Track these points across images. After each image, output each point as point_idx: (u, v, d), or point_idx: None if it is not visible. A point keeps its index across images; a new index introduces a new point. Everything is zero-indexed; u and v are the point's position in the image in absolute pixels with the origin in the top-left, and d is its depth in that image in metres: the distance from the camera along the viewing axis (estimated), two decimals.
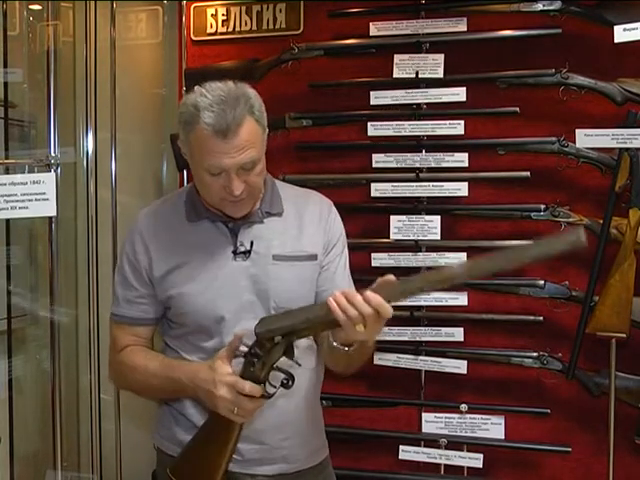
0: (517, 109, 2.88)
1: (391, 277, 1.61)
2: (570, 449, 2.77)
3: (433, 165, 2.97)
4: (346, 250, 2.04)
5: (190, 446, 1.84)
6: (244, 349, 1.73)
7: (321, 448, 2.06)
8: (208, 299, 1.87)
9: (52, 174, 2.25)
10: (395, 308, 2.73)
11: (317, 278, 1.95)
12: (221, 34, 3.33)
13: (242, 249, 1.89)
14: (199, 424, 1.87)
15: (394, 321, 2.98)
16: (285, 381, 1.72)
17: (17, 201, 2.17)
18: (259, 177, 1.82)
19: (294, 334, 1.70)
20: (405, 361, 3.00)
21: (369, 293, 1.57)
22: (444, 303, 2.98)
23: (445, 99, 2.95)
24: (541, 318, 2.90)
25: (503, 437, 2.91)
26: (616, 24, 2.22)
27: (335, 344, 1.69)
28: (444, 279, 1.56)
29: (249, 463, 1.91)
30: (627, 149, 2.66)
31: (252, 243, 1.89)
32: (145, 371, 1.91)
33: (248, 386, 1.69)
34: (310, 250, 1.94)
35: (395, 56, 2.99)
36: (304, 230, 1.96)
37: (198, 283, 1.87)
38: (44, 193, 2.17)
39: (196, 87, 1.78)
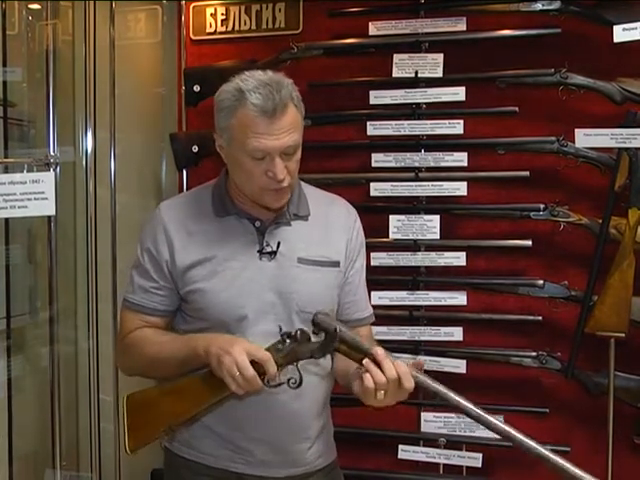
0: (516, 109, 2.89)
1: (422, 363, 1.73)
2: (569, 448, 2.75)
3: (432, 165, 2.98)
4: (365, 262, 2.05)
5: (163, 387, 1.84)
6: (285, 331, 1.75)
7: (330, 450, 2.06)
8: (231, 296, 1.84)
9: (51, 173, 2.22)
10: (395, 308, 2.93)
11: (339, 287, 1.95)
12: (220, 33, 3.33)
13: (268, 249, 1.87)
14: (216, 429, 1.88)
15: (393, 320, 3.01)
16: (294, 382, 1.72)
17: (16, 200, 2.14)
18: (297, 165, 1.81)
19: (337, 341, 1.70)
20: (404, 361, 2.94)
21: (398, 361, 1.65)
22: (443, 303, 3.00)
23: (444, 99, 2.95)
24: (540, 318, 2.91)
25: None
26: (615, 24, 2.21)
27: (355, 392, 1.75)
28: (469, 414, 1.66)
29: (259, 465, 1.90)
30: (626, 149, 2.66)
31: (279, 244, 1.87)
32: (158, 341, 1.88)
33: (262, 353, 1.68)
34: (334, 257, 1.93)
35: (394, 55, 3.00)
36: (329, 236, 1.95)
37: (221, 280, 1.85)
38: (43, 192, 2.12)
39: (232, 78, 1.78)
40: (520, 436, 1.64)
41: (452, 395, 1.68)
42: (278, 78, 1.75)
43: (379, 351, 1.66)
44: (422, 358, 2.96)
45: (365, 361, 1.65)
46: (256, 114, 1.70)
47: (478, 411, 1.66)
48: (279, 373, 1.71)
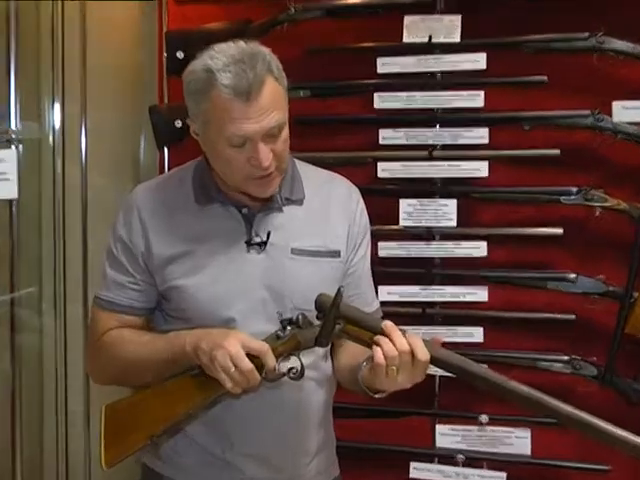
0: (545, 78, 2.82)
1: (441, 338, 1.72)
2: (608, 467, 2.73)
3: (448, 142, 2.94)
4: (370, 249, 2.05)
5: (146, 391, 1.83)
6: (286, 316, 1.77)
7: (332, 466, 2.06)
8: (215, 295, 1.84)
9: (13, 151, 2.27)
10: (406, 305, 3.01)
11: (340, 280, 1.93)
12: None
13: (257, 240, 1.86)
14: (200, 440, 1.89)
15: (403, 319, 2.93)
16: (295, 372, 1.73)
17: None
18: (285, 145, 1.78)
19: (341, 320, 1.70)
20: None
21: (410, 333, 1.66)
22: (461, 299, 2.96)
23: (463, 67, 2.90)
24: (573, 316, 2.86)
25: (529, 453, 2.88)
26: None
27: (365, 390, 1.76)
28: (499, 386, 1.65)
29: None
30: None
31: (269, 234, 1.86)
32: (137, 342, 1.87)
33: (258, 343, 1.68)
34: (333, 246, 1.92)
35: (405, 17, 2.94)
36: (327, 222, 1.94)
37: (204, 276, 1.84)
38: (4, 173, 2.18)
39: (200, 52, 1.76)
40: (586, 416, 1.61)
41: (478, 368, 1.67)
42: (251, 50, 1.72)
43: (388, 323, 1.67)
44: None
45: (376, 337, 1.65)
46: (229, 96, 1.67)
47: (516, 385, 1.64)
48: (279, 364, 1.71)
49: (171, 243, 1.87)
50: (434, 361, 1.66)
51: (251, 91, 1.66)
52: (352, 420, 2.95)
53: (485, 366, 1.69)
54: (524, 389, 1.62)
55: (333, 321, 1.70)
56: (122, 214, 1.92)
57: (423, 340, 1.65)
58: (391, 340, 1.63)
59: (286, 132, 1.77)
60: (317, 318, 1.72)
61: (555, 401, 1.61)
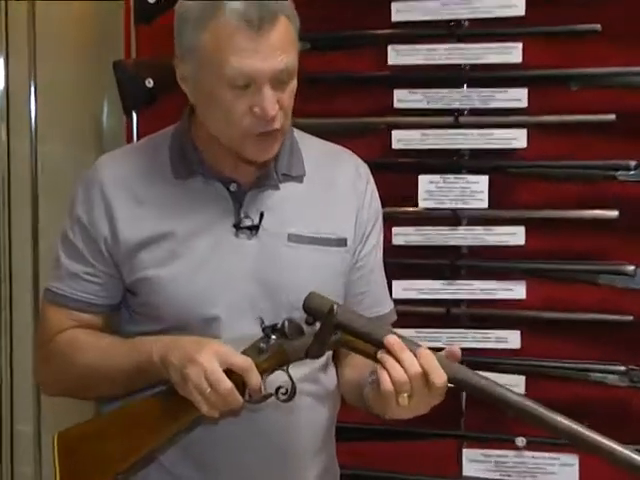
0: (598, 26, 2.75)
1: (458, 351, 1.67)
2: None
3: (478, 105, 2.88)
4: (382, 237, 2.03)
5: (107, 416, 1.82)
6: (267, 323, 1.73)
7: None
8: (195, 289, 1.80)
9: None
10: (426, 303, 3.01)
11: (346, 274, 1.92)
12: None
13: (248, 223, 1.82)
14: (175, 471, 1.85)
15: (423, 320, 2.94)
16: (284, 393, 1.69)
17: None
18: (292, 99, 1.75)
19: (343, 330, 1.66)
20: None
21: (422, 349, 1.60)
22: (494, 296, 2.90)
23: (496, 13, 2.82)
24: (630, 318, 2.79)
25: None
26: None
27: (373, 411, 1.75)
28: (539, 419, 1.58)
29: None
30: None
31: (262, 215, 1.82)
32: (95, 347, 1.84)
33: (239, 358, 1.64)
34: (339, 232, 1.89)
35: None
36: (332, 204, 1.91)
37: (183, 265, 1.80)
38: None
39: None
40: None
41: (508, 393, 1.59)
42: None
43: (391, 339, 1.61)
44: None
45: (379, 354, 1.62)
46: (237, 23, 1.64)
47: (554, 417, 1.57)
48: (264, 382, 1.68)
49: (142, 225, 1.83)
50: (454, 382, 1.61)
51: (263, 23, 1.64)
52: (359, 443, 2.95)
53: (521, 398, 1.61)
54: (571, 426, 1.57)
55: (328, 331, 1.66)
56: (81, 191, 1.88)
57: (438, 356, 1.61)
58: (398, 361, 1.59)
59: (295, 84, 1.74)
60: (306, 323, 1.68)
61: (609, 442, 1.55)
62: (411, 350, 1.59)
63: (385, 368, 1.59)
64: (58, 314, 1.89)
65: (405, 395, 1.58)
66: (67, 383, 1.92)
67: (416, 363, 1.58)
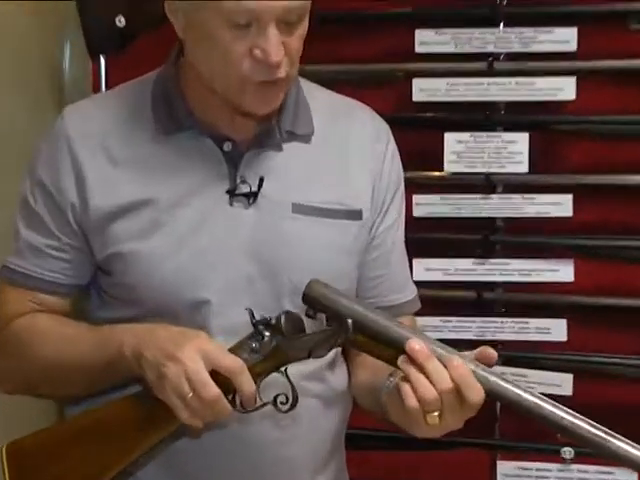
0: None
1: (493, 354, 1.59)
2: None
3: (517, 49, 2.81)
4: (404, 209, 1.99)
5: (68, 424, 1.79)
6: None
7: None
8: (181, 266, 1.73)
9: None
10: (453, 286, 3.00)
11: (361, 253, 1.87)
12: None
13: (244, 189, 1.75)
14: None
15: (451, 307, 2.91)
16: (283, 402, 1.61)
17: None
18: (300, 46, 1.69)
19: (354, 329, 1.58)
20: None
21: (454, 359, 1.51)
22: (534, 278, 2.84)
23: None
24: None
25: None
26: None
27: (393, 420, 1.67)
28: (594, 443, 1.47)
29: None
30: None
31: (261, 181, 1.75)
32: (58, 335, 1.81)
33: (229, 359, 1.57)
34: (352, 203, 1.83)
35: None
36: (345, 169, 1.86)
37: (166, 238, 1.74)
38: None
39: None
40: None
41: (555, 410, 1.48)
42: None
43: (416, 345, 1.51)
44: (498, 369, 2.69)
45: (401, 362, 1.53)
46: None
47: (607, 437, 1.46)
48: (258, 389, 1.59)
49: (117, 190, 1.77)
50: (490, 395, 1.52)
51: None
52: (373, 452, 2.94)
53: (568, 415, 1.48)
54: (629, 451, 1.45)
55: (335, 330, 1.60)
56: (44, 148, 1.82)
57: (473, 364, 1.52)
58: (424, 372, 1.49)
59: (305, 27, 1.68)
60: (307, 315, 1.61)
61: None
62: (440, 359, 1.50)
63: (409, 380, 1.50)
64: (16, 295, 1.84)
65: (435, 414, 1.49)
66: (23, 378, 1.88)
67: (447, 377, 1.49)
